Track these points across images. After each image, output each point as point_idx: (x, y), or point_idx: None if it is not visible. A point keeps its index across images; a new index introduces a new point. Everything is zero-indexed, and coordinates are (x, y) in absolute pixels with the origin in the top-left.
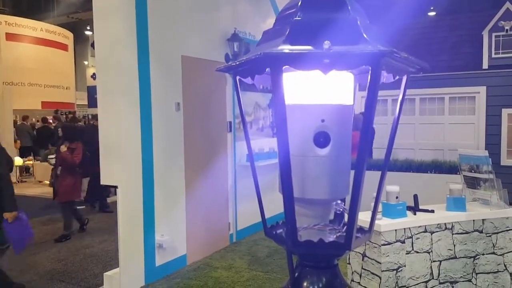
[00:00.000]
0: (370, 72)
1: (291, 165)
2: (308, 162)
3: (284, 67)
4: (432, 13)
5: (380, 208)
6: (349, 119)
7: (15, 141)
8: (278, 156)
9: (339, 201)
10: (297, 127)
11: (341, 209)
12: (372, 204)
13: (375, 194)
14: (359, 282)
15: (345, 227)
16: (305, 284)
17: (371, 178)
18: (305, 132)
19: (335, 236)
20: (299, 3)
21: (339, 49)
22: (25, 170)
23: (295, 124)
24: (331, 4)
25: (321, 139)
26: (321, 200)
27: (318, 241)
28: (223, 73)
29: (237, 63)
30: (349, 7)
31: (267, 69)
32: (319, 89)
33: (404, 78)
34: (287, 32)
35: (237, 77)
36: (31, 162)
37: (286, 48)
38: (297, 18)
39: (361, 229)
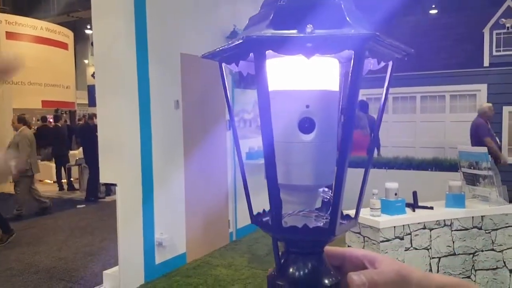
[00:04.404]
0: (353, 56)
1: (276, 151)
2: (293, 148)
3: (267, 52)
4: (433, 11)
5: (379, 205)
6: (334, 105)
7: None
8: (262, 142)
9: (326, 189)
10: (282, 113)
11: (328, 197)
12: (371, 200)
13: (375, 191)
14: None
15: None
16: (291, 270)
17: (369, 175)
18: (290, 118)
19: (321, 223)
20: None
21: (322, 33)
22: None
23: (279, 110)
24: None
25: (305, 125)
26: (306, 186)
27: (303, 226)
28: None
29: (221, 49)
30: None
31: (250, 54)
32: (304, 74)
33: (390, 64)
34: (271, 17)
35: (223, 64)
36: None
37: (270, 32)
38: (281, 3)
39: (347, 216)
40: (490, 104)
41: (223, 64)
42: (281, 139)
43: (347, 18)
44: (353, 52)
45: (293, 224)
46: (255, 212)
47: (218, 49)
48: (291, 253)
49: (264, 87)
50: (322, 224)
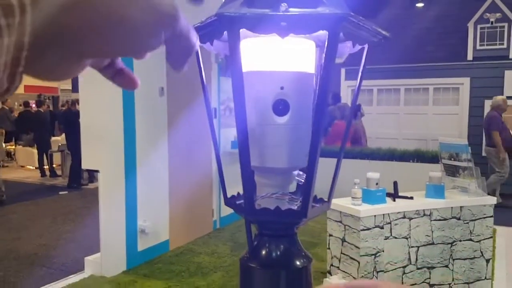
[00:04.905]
0: (327, 37)
1: (250, 133)
2: (267, 130)
3: (242, 31)
4: (420, 4)
5: (360, 194)
6: (309, 87)
7: None
8: (235, 124)
9: (301, 172)
10: (256, 95)
11: (304, 180)
12: (352, 189)
13: (356, 180)
14: (338, 267)
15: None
16: (263, 252)
17: (351, 165)
18: (264, 99)
19: (294, 206)
20: None
21: (296, 12)
22: (7, 155)
23: (254, 91)
24: None
25: (280, 107)
26: (280, 168)
27: (275, 209)
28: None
29: (195, 26)
30: None
31: (224, 33)
32: (279, 56)
33: (366, 48)
34: None
35: (198, 45)
36: (13, 147)
37: (244, 10)
38: None
39: (320, 200)
40: (504, 97)
41: (208, 51)
42: (255, 121)
43: None
44: (326, 31)
45: (266, 206)
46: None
47: (192, 27)
48: (264, 235)
49: (238, 66)
50: (295, 206)
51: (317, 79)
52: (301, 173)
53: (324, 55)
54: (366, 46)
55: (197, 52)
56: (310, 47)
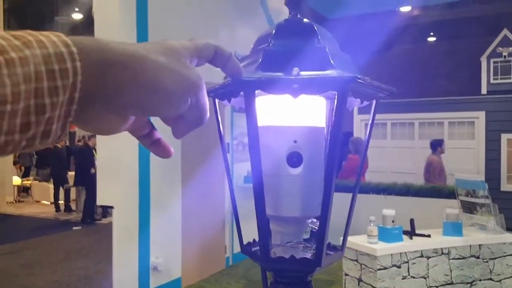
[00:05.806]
0: (336, 97)
1: (265, 184)
2: (282, 181)
3: (257, 91)
4: (432, 39)
5: (376, 232)
6: (320, 140)
7: (15, 163)
8: (251, 175)
9: (314, 220)
10: (271, 148)
11: (317, 227)
12: (368, 227)
13: (372, 218)
14: None
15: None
16: None
17: (366, 200)
18: (279, 152)
19: (309, 254)
20: (273, 32)
21: (307, 75)
22: (23, 190)
23: (269, 144)
24: (302, 33)
25: (293, 159)
26: (294, 217)
27: (289, 257)
28: (215, 105)
29: (215, 86)
30: (319, 36)
31: (241, 93)
32: (292, 112)
33: (373, 103)
34: (260, 59)
35: (216, 100)
36: (29, 182)
37: (258, 74)
38: (270, 47)
39: (334, 247)
40: None
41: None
42: (270, 172)
43: (331, 61)
44: (335, 91)
45: (281, 255)
46: (247, 236)
47: (212, 87)
48: (279, 283)
49: (253, 124)
50: (309, 255)
51: (328, 129)
52: (314, 220)
53: (333, 112)
54: (374, 102)
55: (215, 105)
56: (321, 103)
